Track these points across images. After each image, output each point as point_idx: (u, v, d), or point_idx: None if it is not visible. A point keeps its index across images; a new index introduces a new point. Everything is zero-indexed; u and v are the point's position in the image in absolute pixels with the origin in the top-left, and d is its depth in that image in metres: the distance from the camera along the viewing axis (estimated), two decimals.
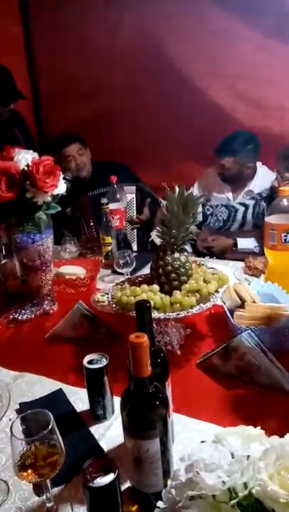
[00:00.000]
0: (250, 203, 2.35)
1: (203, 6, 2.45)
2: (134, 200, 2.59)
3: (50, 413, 0.77)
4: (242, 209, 2.34)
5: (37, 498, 0.86)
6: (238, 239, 2.31)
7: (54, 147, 2.62)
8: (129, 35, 2.73)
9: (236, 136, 2.31)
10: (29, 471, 0.77)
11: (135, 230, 2.60)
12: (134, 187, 2.57)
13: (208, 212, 2.38)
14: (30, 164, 1.39)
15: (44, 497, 0.82)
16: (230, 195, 2.45)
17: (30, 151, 1.46)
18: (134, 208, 2.60)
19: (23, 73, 2.99)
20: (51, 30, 2.92)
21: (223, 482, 0.62)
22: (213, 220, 2.40)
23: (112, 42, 2.80)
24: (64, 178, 2.45)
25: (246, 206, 2.35)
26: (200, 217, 2.31)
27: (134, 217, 2.53)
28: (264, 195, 2.35)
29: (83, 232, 2.56)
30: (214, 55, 2.53)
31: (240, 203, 2.37)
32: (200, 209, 2.27)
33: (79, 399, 1.10)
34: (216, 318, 1.41)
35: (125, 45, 2.76)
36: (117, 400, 1.04)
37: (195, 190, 2.55)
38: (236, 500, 0.61)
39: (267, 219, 1.47)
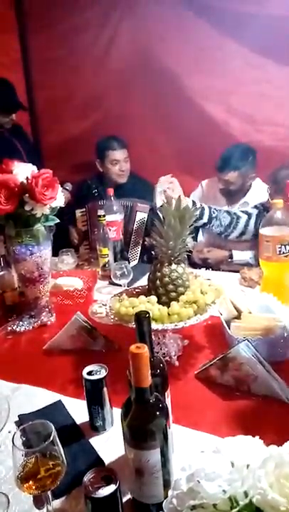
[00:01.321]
0: (253, 212, 2.29)
1: (196, 24, 2.52)
2: (145, 219, 2.59)
3: (51, 424, 0.78)
4: (244, 217, 2.27)
5: (38, 510, 0.86)
6: (233, 251, 2.32)
7: (99, 148, 2.69)
8: (125, 50, 2.80)
9: (235, 151, 2.34)
10: (30, 482, 0.77)
11: (139, 249, 2.60)
12: (148, 206, 2.57)
13: (214, 215, 2.35)
14: (29, 177, 1.41)
15: (45, 509, 0.82)
16: (225, 208, 2.48)
17: (29, 164, 1.49)
18: (144, 227, 2.60)
19: (20, 87, 3.03)
20: (48, 45, 2.97)
21: (224, 491, 0.63)
22: (217, 224, 2.33)
23: (107, 57, 2.86)
24: (64, 189, 2.50)
25: (249, 215, 2.29)
26: (206, 219, 2.26)
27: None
28: (267, 205, 2.25)
29: (86, 237, 2.59)
30: (207, 71, 2.60)
31: (242, 211, 2.35)
32: (207, 210, 2.22)
33: (78, 410, 1.10)
34: (213, 329, 1.42)
35: (121, 60, 2.82)
36: (116, 412, 1.05)
37: (190, 203, 2.57)
38: (237, 509, 0.62)
39: (261, 231, 1.49)
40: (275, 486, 0.61)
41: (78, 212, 2.61)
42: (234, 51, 2.49)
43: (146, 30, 2.67)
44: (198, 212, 2.12)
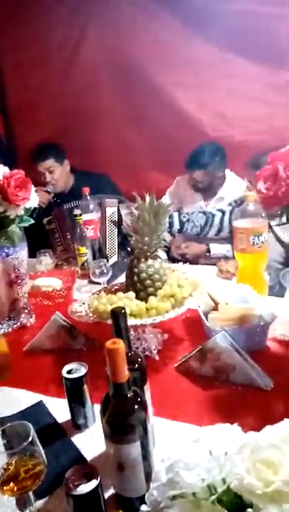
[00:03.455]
0: (227, 209, 2.37)
1: (164, 19, 2.52)
2: (116, 214, 2.58)
3: (30, 424, 0.78)
4: (219, 215, 2.35)
5: None
6: (210, 244, 2.35)
7: (32, 159, 2.66)
8: (94, 48, 2.77)
9: (203, 150, 2.37)
10: (11, 484, 0.76)
11: (116, 243, 2.59)
12: (116, 200, 2.56)
13: (185, 219, 2.39)
14: (1, 178, 1.40)
15: (27, 511, 0.82)
16: (202, 203, 2.50)
17: (1, 165, 1.47)
18: (116, 222, 2.59)
19: None
20: (18, 46, 2.92)
21: (203, 479, 0.64)
22: (190, 226, 2.39)
23: (77, 56, 2.83)
24: (46, 191, 2.50)
25: (223, 212, 2.36)
26: (177, 225, 2.31)
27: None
28: (239, 202, 2.35)
29: (60, 243, 2.56)
30: (176, 67, 2.60)
31: (218, 210, 2.40)
32: (176, 217, 2.27)
33: (60, 409, 1.10)
34: (192, 321, 1.44)
35: (90, 58, 2.80)
36: (97, 408, 1.05)
37: (166, 200, 2.59)
38: (216, 496, 0.63)
39: (235, 223, 1.52)
40: (252, 471, 0.63)
41: (45, 220, 2.58)
42: (202, 46, 2.49)
43: (114, 27, 2.65)
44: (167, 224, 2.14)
